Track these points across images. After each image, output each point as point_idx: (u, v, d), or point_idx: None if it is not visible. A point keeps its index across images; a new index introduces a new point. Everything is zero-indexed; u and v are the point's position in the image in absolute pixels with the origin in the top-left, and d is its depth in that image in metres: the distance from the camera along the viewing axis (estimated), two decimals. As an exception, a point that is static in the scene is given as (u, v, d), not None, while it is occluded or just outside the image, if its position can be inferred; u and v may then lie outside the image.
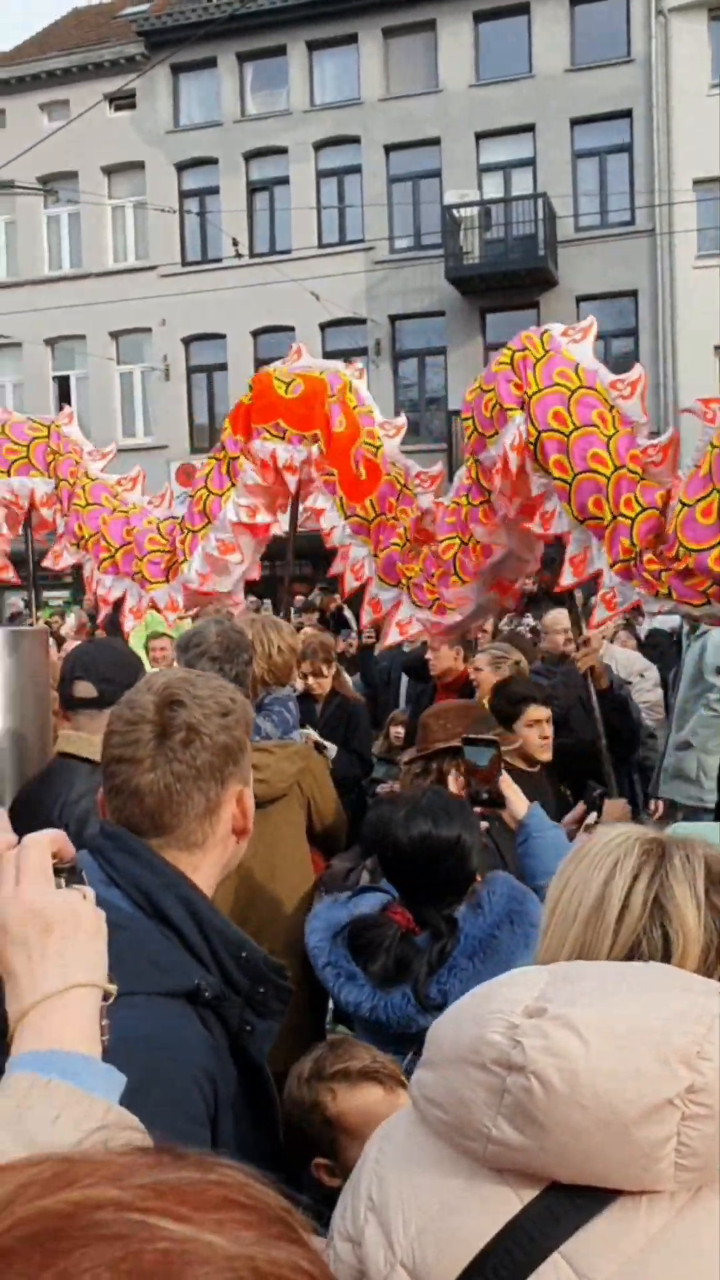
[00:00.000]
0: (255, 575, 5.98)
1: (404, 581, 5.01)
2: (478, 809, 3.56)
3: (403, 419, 5.47)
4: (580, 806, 3.67)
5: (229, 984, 1.59)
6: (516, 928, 2.53)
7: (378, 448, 5.13)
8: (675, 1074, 1.15)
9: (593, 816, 3.53)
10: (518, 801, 3.12)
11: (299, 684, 4.85)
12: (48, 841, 1.17)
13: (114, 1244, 0.42)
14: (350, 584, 5.27)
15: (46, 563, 6.27)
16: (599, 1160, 1.17)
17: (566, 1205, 1.19)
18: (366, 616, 5.49)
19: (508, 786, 3.12)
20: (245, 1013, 1.60)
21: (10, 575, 6.45)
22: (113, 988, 1.12)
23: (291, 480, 5.28)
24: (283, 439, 5.22)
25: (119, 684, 3.07)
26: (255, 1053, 1.63)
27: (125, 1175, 0.47)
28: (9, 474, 6.12)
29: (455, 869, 2.64)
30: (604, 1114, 1.15)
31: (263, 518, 5.56)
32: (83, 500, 5.96)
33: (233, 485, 5.45)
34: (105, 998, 1.11)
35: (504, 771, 3.16)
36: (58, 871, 1.15)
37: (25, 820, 2.98)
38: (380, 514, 5.06)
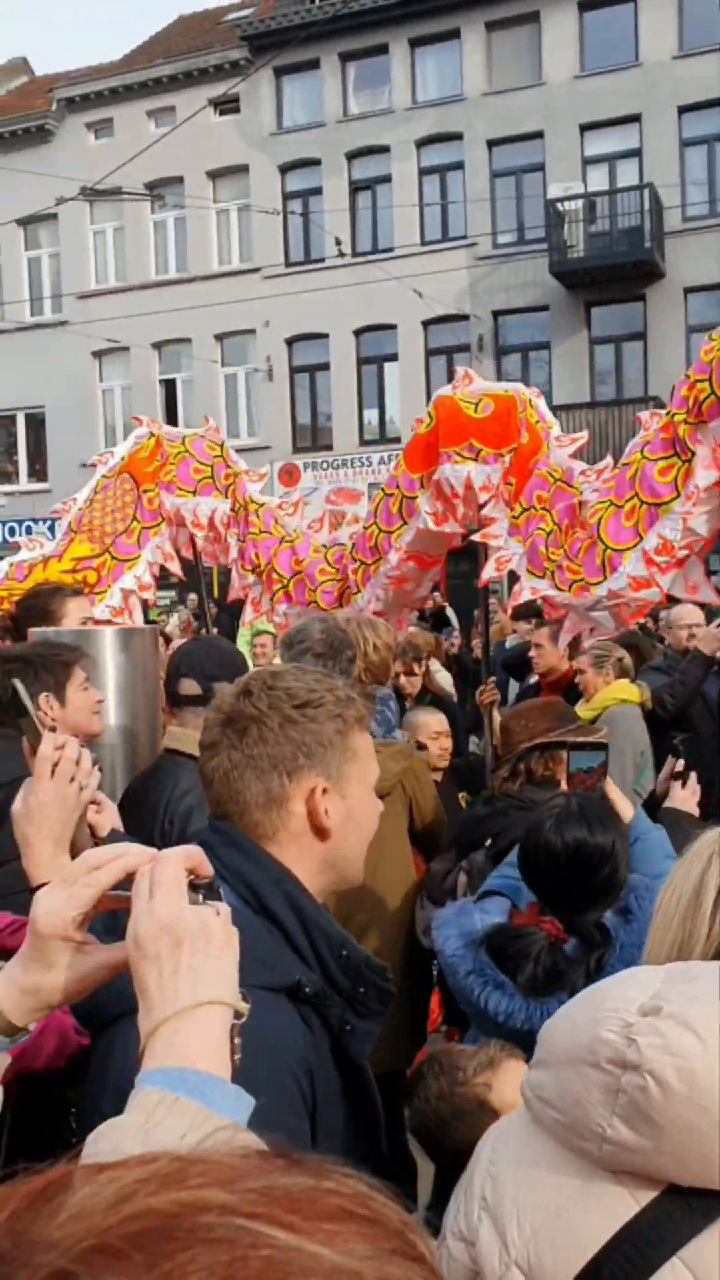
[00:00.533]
0: (426, 602, 5.87)
1: (548, 566, 4.92)
2: None
3: (584, 435, 5.27)
4: (671, 760, 3.60)
5: (330, 982, 1.59)
6: None
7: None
8: None
9: (680, 764, 3.47)
10: (622, 805, 3.07)
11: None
12: (184, 856, 1.17)
13: (218, 1248, 0.42)
14: (489, 572, 5.10)
15: (233, 596, 6.12)
16: (714, 1159, 1.16)
17: (685, 1208, 1.18)
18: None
19: (611, 790, 3.07)
20: (346, 1013, 1.60)
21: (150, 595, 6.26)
22: (245, 1006, 1.11)
23: (485, 497, 5.04)
24: (476, 459, 5.01)
25: (222, 681, 3.12)
26: (356, 1053, 1.62)
27: (237, 1178, 0.47)
28: (194, 493, 5.94)
29: (609, 877, 2.58)
30: None
31: (433, 552, 5.47)
32: (257, 527, 5.78)
33: (404, 524, 5.27)
34: (237, 1016, 1.10)
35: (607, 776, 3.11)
36: (194, 887, 1.15)
37: (132, 815, 3.06)
38: (528, 508, 4.94)
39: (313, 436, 25.12)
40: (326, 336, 24.65)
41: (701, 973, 1.29)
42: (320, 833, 1.64)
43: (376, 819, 1.74)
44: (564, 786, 3.27)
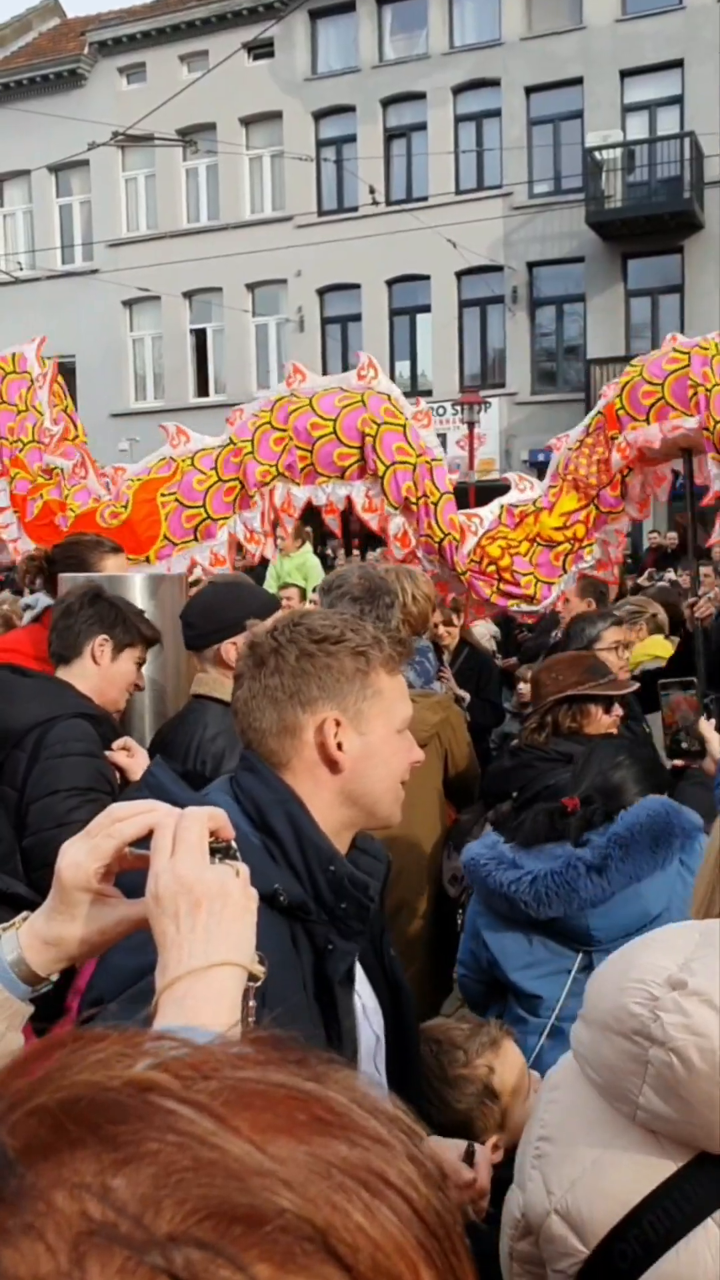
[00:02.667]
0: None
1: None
2: (677, 762, 3.60)
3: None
4: (708, 719, 3.61)
5: (317, 898, 1.63)
6: (660, 842, 2.62)
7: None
8: None
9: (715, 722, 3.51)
10: (716, 742, 3.13)
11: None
12: (206, 817, 1.18)
13: (157, 1134, 0.42)
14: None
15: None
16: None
17: (716, 1174, 1.20)
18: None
19: (706, 728, 3.13)
20: (330, 932, 1.65)
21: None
22: (260, 969, 1.12)
23: None
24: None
25: (199, 629, 3.15)
26: (331, 970, 1.67)
27: (209, 1067, 0.46)
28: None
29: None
30: None
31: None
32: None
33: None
34: (253, 979, 1.12)
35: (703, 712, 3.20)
36: (214, 850, 1.16)
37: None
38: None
39: (343, 388, 24.94)
40: (358, 287, 24.40)
41: None
42: (332, 765, 1.68)
43: (406, 760, 1.76)
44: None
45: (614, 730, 3.46)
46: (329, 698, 1.68)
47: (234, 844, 1.21)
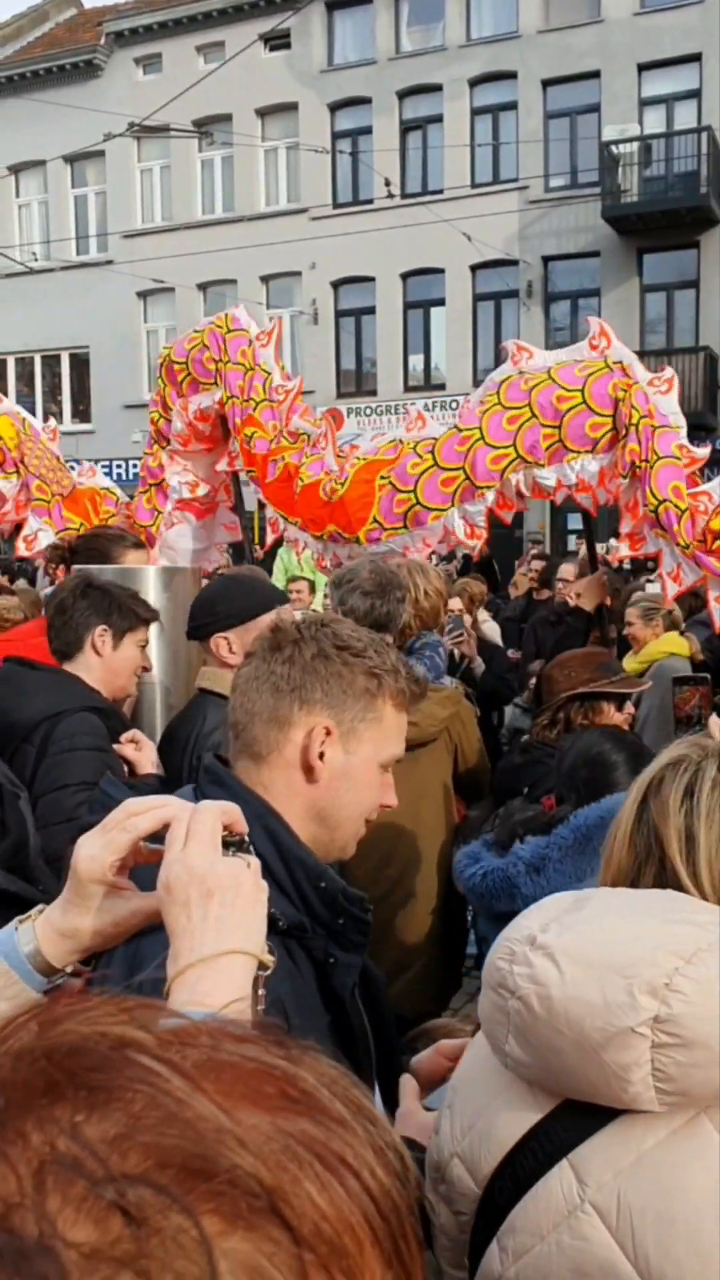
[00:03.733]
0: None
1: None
2: None
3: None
4: None
5: (311, 915, 1.61)
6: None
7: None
8: (638, 1004, 1.21)
9: None
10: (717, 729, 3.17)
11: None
12: (220, 810, 1.21)
13: (134, 1090, 0.44)
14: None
15: None
16: (581, 1079, 1.27)
17: (577, 1118, 1.30)
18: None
19: (715, 725, 3.14)
20: (329, 945, 1.63)
21: None
22: (270, 959, 1.15)
23: None
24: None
25: (194, 621, 3.15)
26: (339, 985, 1.65)
27: (189, 1036, 0.48)
28: None
29: (597, 779, 2.78)
30: (577, 1038, 1.24)
31: None
32: None
33: None
34: (262, 968, 1.14)
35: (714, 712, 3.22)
36: (226, 844, 1.19)
37: (166, 753, 3.06)
38: None
39: (357, 382, 24.91)
40: (373, 280, 24.36)
41: (591, 902, 1.38)
42: (308, 772, 1.64)
43: (379, 798, 1.71)
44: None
45: (626, 728, 3.45)
46: (329, 705, 1.65)
47: (246, 838, 1.23)
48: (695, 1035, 1.20)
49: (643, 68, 22.19)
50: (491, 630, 7.78)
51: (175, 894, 1.14)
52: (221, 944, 1.11)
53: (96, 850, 1.23)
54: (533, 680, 7.16)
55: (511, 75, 23.12)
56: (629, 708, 3.50)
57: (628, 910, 1.36)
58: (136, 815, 1.23)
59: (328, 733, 1.64)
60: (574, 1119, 1.30)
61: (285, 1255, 0.42)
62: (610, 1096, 1.25)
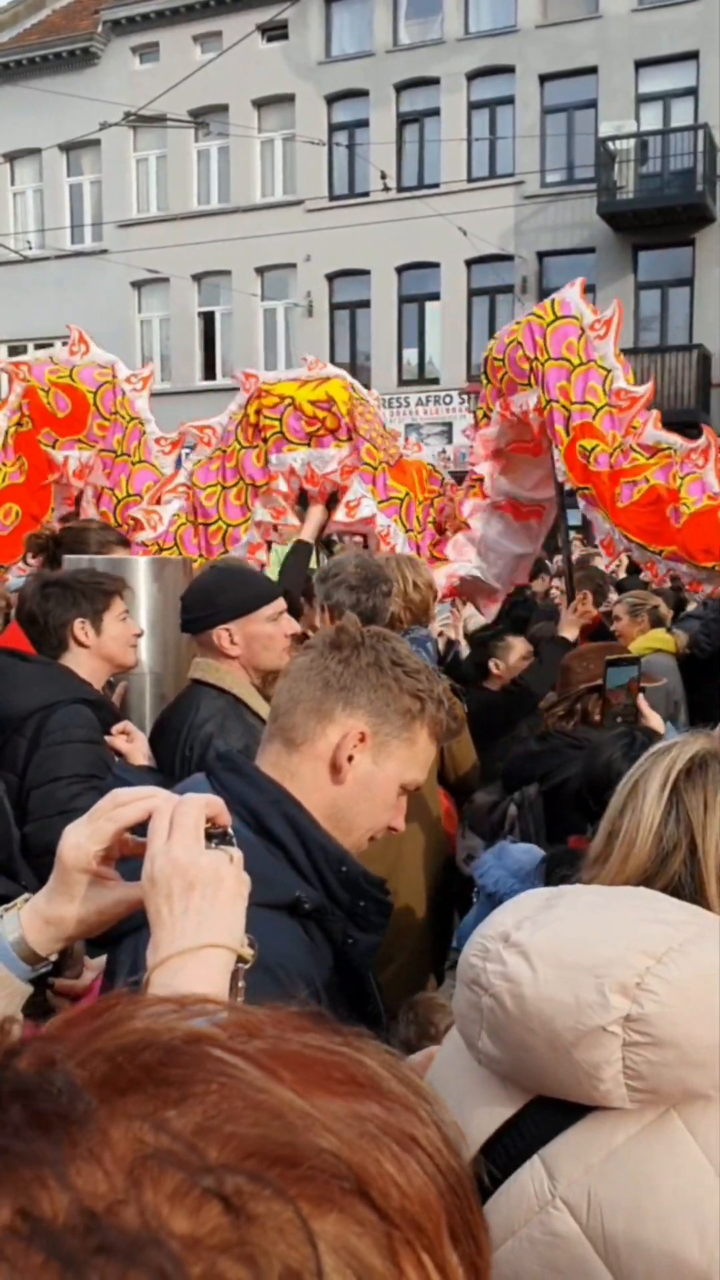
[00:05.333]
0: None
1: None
2: None
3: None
4: None
5: (331, 897, 1.64)
6: None
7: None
8: (609, 1004, 1.22)
9: None
10: (654, 720, 3.23)
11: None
12: (204, 804, 1.22)
13: (211, 1081, 0.45)
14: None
15: None
16: (553, 1076, 1.28)
17: (548, 1114, 1.31)
18: None
19: (643, 704, 3.17)
20: (348, 927, 1.66)
21: None
22: (249, 953, 1.17)
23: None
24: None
25: (191, 613, 3.13)
26: (359, 965, 1.69)
27: (256, 1026, 0.49)
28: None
29: None
30: (549, 1036, 1.26)
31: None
32: None
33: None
34: (241, 962, 1.16)
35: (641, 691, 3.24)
36: (209, 836, 1.20)
37: (158, 744, 3.07)
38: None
39: (351, 375, 24.84)
40: (368, 273, 24.33)
41: (564, 899, 1.40)
42: (335, 771, 1.68)
43: (389, 817, 1.74)
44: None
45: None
46: (370, 713, 1.69)
47: (230, 831, 1.24)
48: (666, 1034, 1.22)
49: (640, 64, 22.18)
50: (480, 624, 7.79)
51: (158, 885, 1.16)
52: (201, 937, 1.13)
53: (82, 839, 1.24)
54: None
55: (509, 69, 23.09)
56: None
57: (600, 908, 1.37)
58: (123, 805, 1.24)
59: (362, 738, 1.68)
60: (545, 1115, 1.31)
61: (374, 1235, 0.43)
62: (581, 1094, 1.27)
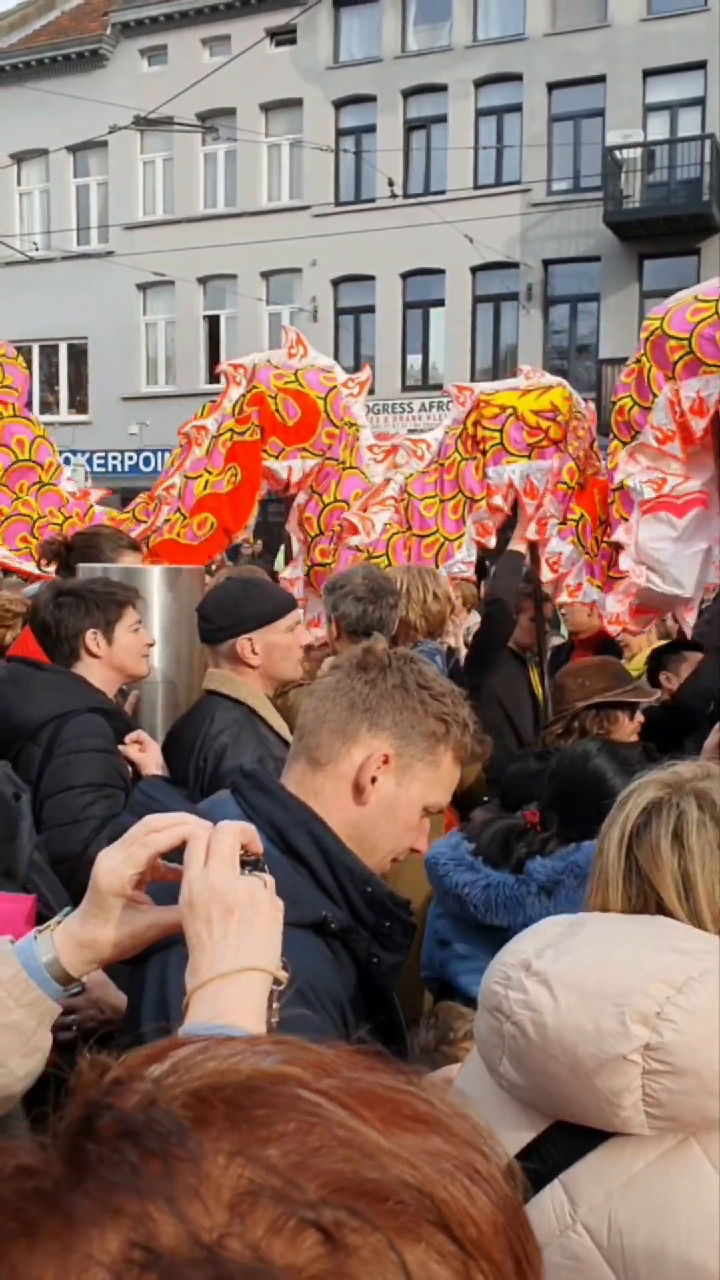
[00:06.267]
0: None
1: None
2: None
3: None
4: (718, 731, 3.60)
5: (356, 917, 1.65)
6: None
7: None
8: (630, 1033, 1.24)
9: None
10: None
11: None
12: (239, 830, 1.26)
13: (295, 1120, 0.47)
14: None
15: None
16: (574, 1102, 1.30)
17: (568, 1139, 1.33)
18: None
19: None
20: (372, 946, 1.67)
21: None
22: (284, 975, 1.19)
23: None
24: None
25: (214, 624, 3.13)
26: (382, 984, 1.70)
27: (329, 1067, 0.51)
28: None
29: (591, 802, 2.72)
30: (570, 1063, 1.28)
31: None
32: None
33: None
34: (276, 984, 1.18)
35: None
36: (243, 863, 1.23)
37: (172, 754, 3.07)
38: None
39: (354, 380, 24.89)
40: (373, 279, 24.36)
41: (586, 927, 1.41)
42: (358, 792, 1.68)
43: (411, 839, 1.75)
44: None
45: (635, 738, 3.49)
46: (395, 735, 1.69)
47: (262, 858, 1.27)
48: (685, 1063, 1.23)
49: (648, 73, 22.23)
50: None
51: (197, 910, 1.18)
52: (240, 960, 1.15)
53: (117, 864, 1.27)
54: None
55: (517, 77, 23.13)
56: (639, 716, 3.54)
57: (621, 937, 1.38)
58: (157, 832, 1.27)
59: (385, 760, 1.68)
60: (566, 1140, 1.33)
61: (453, 1264, 0.45)
62: (602, 1120, 1.28)
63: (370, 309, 24.64)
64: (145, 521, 5.09)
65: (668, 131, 22.28)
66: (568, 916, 1.49)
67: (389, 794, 1.69)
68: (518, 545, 4.79)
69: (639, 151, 21.73)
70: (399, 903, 1.69)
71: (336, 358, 22.24)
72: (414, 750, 1.70)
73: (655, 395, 4.33)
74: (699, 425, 4.22)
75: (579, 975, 1.31)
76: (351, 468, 5.03)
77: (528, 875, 2.62)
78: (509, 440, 4.72)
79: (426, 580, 3.96)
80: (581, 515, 4.93)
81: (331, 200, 24.71)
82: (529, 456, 4.72)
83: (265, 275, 25.37)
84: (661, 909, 1.45)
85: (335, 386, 5.06)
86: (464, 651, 5.98)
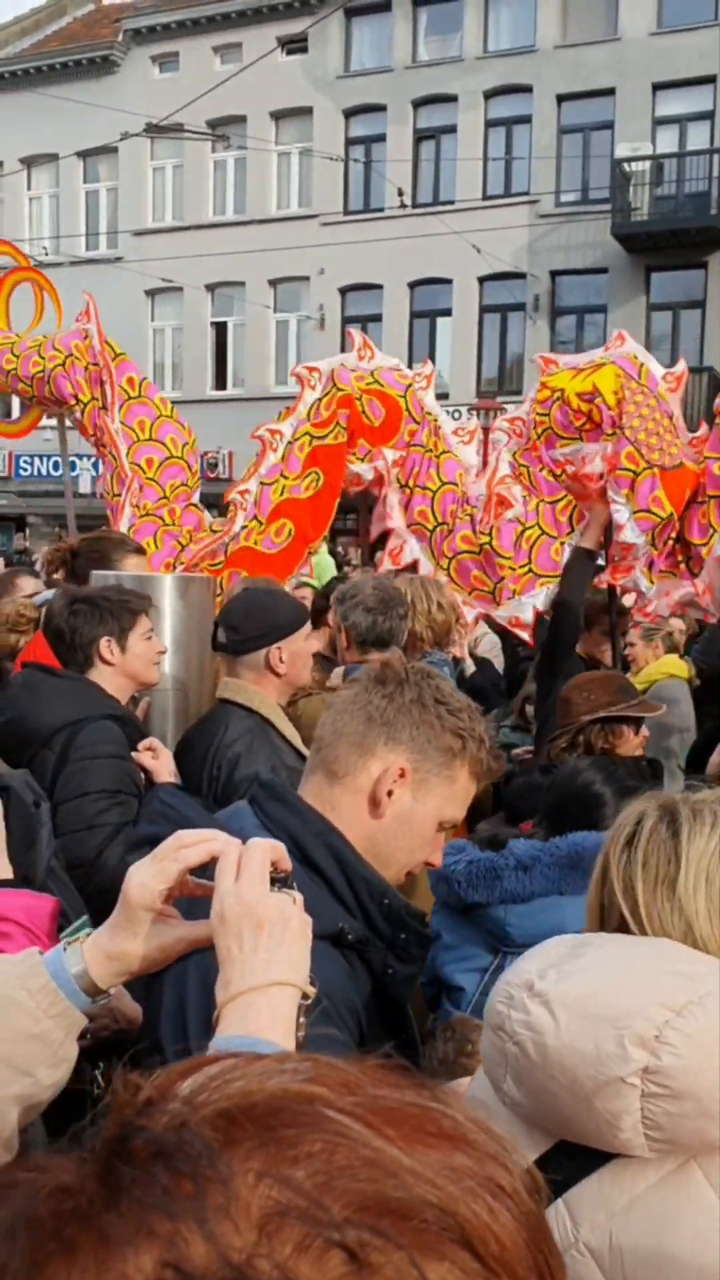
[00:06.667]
0: None
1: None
2: None
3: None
4: None
5: (372, 929, 1.66)
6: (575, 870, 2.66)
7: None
8: (629, 1055, 1.25)
9: None
10: None
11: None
12: (269, 847, 1.27)
13: (320, 1138, 0.48)
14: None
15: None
16: (574, 1123, 1.30)
17: (571, 1159, 1.33)
18: None
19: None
20: (388, 957, 1.68)
21: None
22: (312, 990, 1.21)
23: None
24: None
25: (243, 634, 3.14)
26: (397, 995, 1.72)
27: (354, 1085, 0.52)
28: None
29: (583, 814, 2.82)
30: (570, 1084, 1.29)
31: None
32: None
33: None
34: (304, 998, 1.20)
35: None
36: (273, 880, 1.25)
37: (184, 762, 3.09)
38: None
39: (361, 388, 24.93)
40: (381, 288, 24.41)
41: (589, 949, 1.42)
42: (374, 805, 1.70)
43: (426, 853, 1.76)
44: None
45: (640, 752, 3.50)
46: (412, 749, 1.71)
47: (291, 875, 1.29)
48: (684, 1087, 1.23)
49: (657, 87, 22.27)
50: (491, 643, 7.77)
51: (229, 924, 1.20)
52: (270, 974, 1.17)
53: (147, 878, 1.28)
54: (519, 701, 7.16)
55: (527, 89, 23.19)
56: (644, 731, 3.55)
57: (623, 959, 1.38)
58: (187, 848, 1.28)
59: (402, 774, 1.70)
60: (568, 1160, 1.33)
61: None
62: (602, 1141, 1.29)
63: (378, 318, 24.67)
64: (223, 532, 5.02)
65: (676, 145, 22.34)
66: (573, 936, 1.49)
67: (405, 808, 1.70)
68: (588, 542, 4.63)
69: (647, 164, 21.79)
70: (415, 915, 1.71)
71: (344, 366, 21.90)
72: (430, 765, 1.71)
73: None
74: None
75: (580, 997, 1.32)
76: (445, 452, 4.99)
77: (508, 851, 2.69)
78: (556, 424, 4.69)
79: (431, 591, 3.98)
80: (671, 513, 4.57)
81: (340, 209, 24.76)
82: (580, 439, 4.64)
83: (273, 283, 25.42)
84: (622, 916, 1.46)
85: (410, 384, 5.06)
86: (469, 663, 6.01)
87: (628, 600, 5.06)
